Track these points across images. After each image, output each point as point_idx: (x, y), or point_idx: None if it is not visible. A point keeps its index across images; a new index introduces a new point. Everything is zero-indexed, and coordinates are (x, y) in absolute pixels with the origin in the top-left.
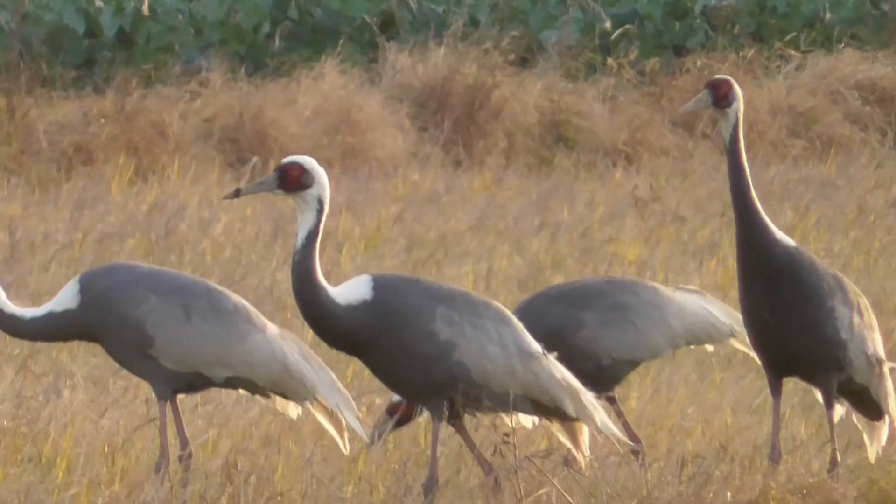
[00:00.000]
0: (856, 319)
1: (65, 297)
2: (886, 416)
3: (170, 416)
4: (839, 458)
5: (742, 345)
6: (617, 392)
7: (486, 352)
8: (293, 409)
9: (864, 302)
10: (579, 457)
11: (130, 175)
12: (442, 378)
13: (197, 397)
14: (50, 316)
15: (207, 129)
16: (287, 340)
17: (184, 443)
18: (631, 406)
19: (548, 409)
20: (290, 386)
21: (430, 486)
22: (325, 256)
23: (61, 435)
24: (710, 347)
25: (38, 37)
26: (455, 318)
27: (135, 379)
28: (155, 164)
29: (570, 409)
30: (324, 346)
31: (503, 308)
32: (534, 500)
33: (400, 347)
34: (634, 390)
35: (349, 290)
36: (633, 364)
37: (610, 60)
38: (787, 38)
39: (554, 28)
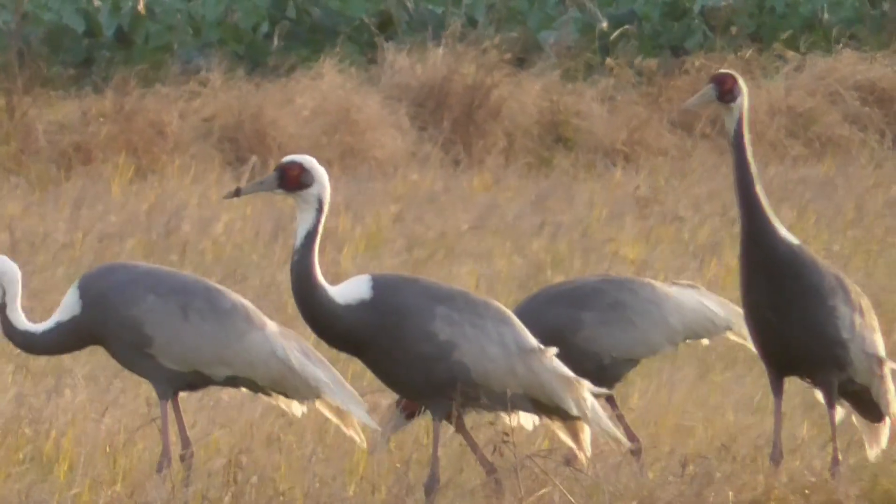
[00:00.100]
0: (857, 319)
1: (68, 305)
2: (887, 418)
3: (171, 415)
4: (841, 458)
5: (738, 337)
6: (617, 392)
7: (486, 351)
8: (297, 408)
9: (866, 302)
10: (581, 455)
11: (130, 174)
12: (442, 378)
13: (199, 396)
14: (59, 326)
15: (207, 129)
16: (288, 338)
17: (185, 442)
18: (632, 405)
19: (548, 407)
20: (291, 384)
21: (432, 486)
22: (324, 256)
23: (63, 435)
24: (706, 341)
25: (37, 36)
26: (455, 317)
27: (136, 379)
28: (154, 163)
29: (571, 408)
30: (325, 344)
31: (503, 307)
32: (535, 500)
33: (399, 347)
34: (636, 390)
35: (348, 290)
36: (634, 362)
37: (609, 61)
38: (786, 38)
39: (552, 28)
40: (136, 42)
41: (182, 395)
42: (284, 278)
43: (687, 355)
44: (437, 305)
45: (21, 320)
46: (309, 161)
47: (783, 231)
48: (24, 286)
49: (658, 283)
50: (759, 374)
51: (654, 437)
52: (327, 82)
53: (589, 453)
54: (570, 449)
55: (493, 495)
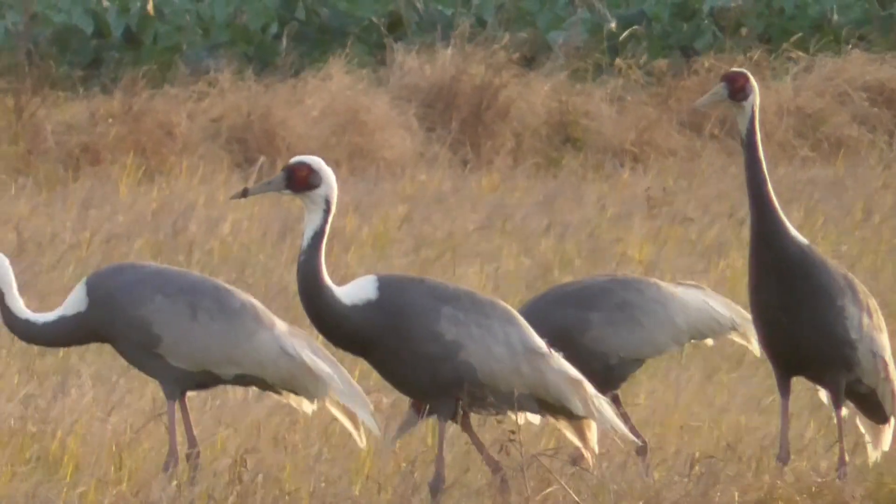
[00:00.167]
0: (865, 320)
1: (74, 300)
2: (892, 419)
3: (178, 414)
4: (847, 459)
5: (742, 338)
6: (622, 391)
7: (492, 352)
8: (307, 406)
9: (874, 304)
10: (587, 455)
11: (138, 175)
12: (448, 378)
13: (205, 396)
14: (62, 320)
15: (215, 130)
16: (297, 337)
17: (191, 442)
18: (639, 406)
19: (554, 407)
20: (300, 383)
21: (438, 486)
22: (332, 257)
23: (68, 434)
24: (710, 341)
25: (45, 37)
26: (461, 318)
27: (142, 378)
28: (162, 164)
29: (578, 408)
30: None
31: (509, 308)
32: (541, 500)
33: (405, 347)
34: (642, 390)
35: (354, 291)
36: (640, 362)
37: (618, 61)
38: (795, 39)
39: (562, 29)
40: (145, 43)
41: (190, 394)
42: (292, 279)
43: (693, 356)
44: (443, 306)
45: (20, 308)
46: (317, 162)
47: (793, 231)
48: (31, 286)
49: (663, 283)
50: (765, 375)
51: (661, 437)
52: (336, 83)
53: (595, 453)
54: (577, 448)
55: (498, 495)
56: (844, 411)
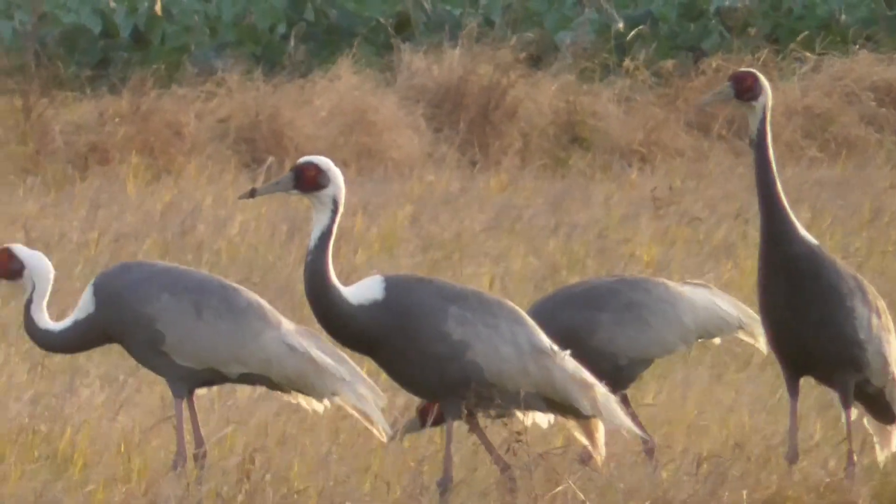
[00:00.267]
0: (874, 321)
1: (84, 303)
2: None
3: (186, 413)
4: (855, 459)
5: (749, 337)
6: (630, 391)
7: (499, 351)
8: (318, 405)
9: (883, 304)
10: (596, 454)
11: (146, 175)
12: (455, 378)
13: (213, 395)
14: (76, 325)
15: (223, 130)
16: (305, 336)
17: (199, 441)
18: (647, 405)
19: (562, 406)
20: (308, 382)
21: (446, 485)
22: (340, 257)
23: (77, 433)
24: (717, 340)
25: (53, 37)
26: (468, 317)
27: (150, 378)
28: (171, 164)
29: (585, 407)
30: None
31: (516, 307)
32: (549, 499)
33: (412, 347)
34: (650, 389)
35: (361, 291)
36: (648, 362)
37: (626, 62)
38: (802, 38)
39: (569, 29)
40: (153, 43)
41: (197, 393)
42: (300, 278)
43: (701, 355)
44: (450, 305)
45: (44, 319)
46: (325, 162)
47: (803, 232)
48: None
49: (671, 283)
50: (772, 375)
51: (669, 437)
52: (344, 83)
53: (604, 452)
54: (585, 448)
55: (506, 494)
56: (852, 412)
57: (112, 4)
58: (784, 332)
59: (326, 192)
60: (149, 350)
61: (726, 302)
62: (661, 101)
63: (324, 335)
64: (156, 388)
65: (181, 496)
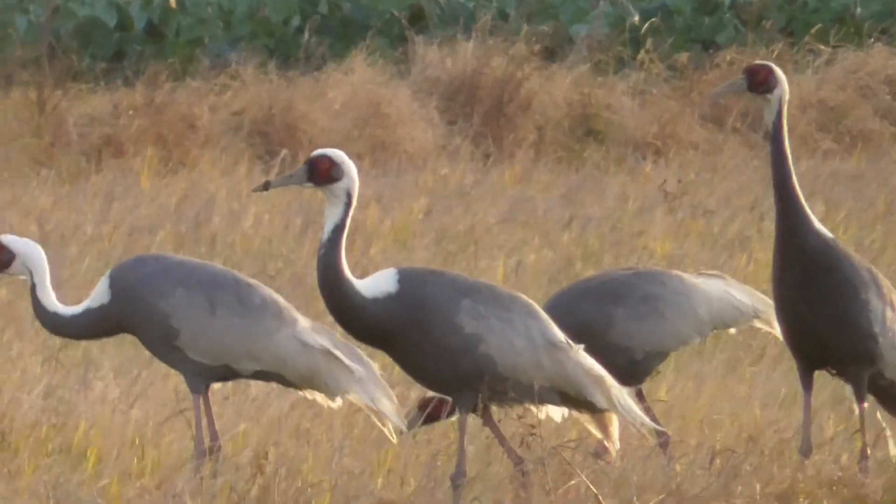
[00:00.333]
0: (889, 314)
1: (98, 293)
2: None
3: (202, 408)
4: (869, 452)
5: (765, 325)
6: (644, 385)
7: (512, 345)
8: (333, 402)
9: None
10: (610, 448)
11: (160, 168)
12: (469, 371)
13: (227, 389)
14: (87, 312)
15: (237, 122)
16: (320, 333)
17: (213, 435)
18: (661, 399)
19: (576, 400)
20: (321, 380)
21: (459, 479)
22: (354, 250)
23: (91, 427)
24: (733, 330)
25: (67, 30)
26: (481, 310)
27: (164, 371)
28: (185, 156)
29: (599, 401)
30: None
31: (530, 301)
32: (563, 493)
33: (426, 340)
34: (664, 383)
35: (375, 283)
36: (664, 355)
37: (641, 55)
38: (816, 31)
39: (584, 22)
40: (167, 36)
41: (213, 386)
42: (313, 271)
43: (715, 349)
44: (463, 298)
45: (51, 301)
46: (338, 155)
47: (818, 225)
48: (53, 278)
49: (686, 275)
50: (786, 369)
51: (682, 431)
52: (358, 76)
53: (618, 446)
54: (600, 442)
55: (520, 488)
56: (866, 406)
57: None
58: (798, 325)
59: (340, 185)
60: (163, 344)
61: (741, 291)
62: (676, 95)
63: (337, 329)
64: (170, 381)
65: (195, 490)
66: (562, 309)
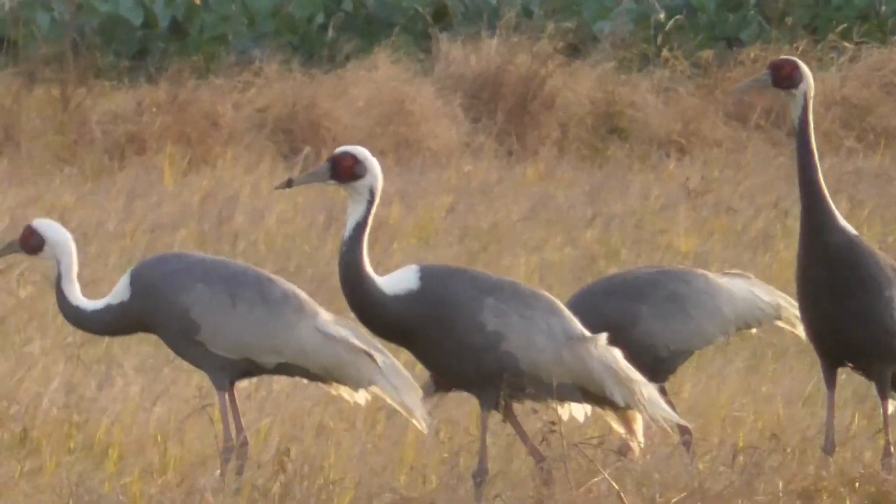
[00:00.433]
0: None
1: (119, 290)
2: None
3: (227, 404)
4: (893, 450)
5: (787, 324)
6: (667, 382)
7: (534, 342)
8: (358, 396)
9: None
10: (634, 445)
11: (183, 165)
12: (491, 368)
13: (249, 386)
14: (108, 308)
15: (260, 120)
16: (342, 326)
17: (239, 429)
18: (683, 397)
19: (598, 397)
20: (346, 371)
21: (481, 476)
22: (377, 247)
23: (113, 423)
24: (755, 329)
25: (91, 27)
26: (503, 308)
27: (186, 368)
28: (208, 154)
29: (619, 398)
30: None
31: (552, 298)
32: (585, 490)
33: (448, 338)
34: (687, 381)
35: (396, 281)
36: (688, 353)
37: (664, 52)
38: (841, 29)
39: (608, 19)
40: (191, 33)
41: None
42: (336, 269)
43: (737, 346)
44: (486, 296)
45: (75, 294)
46: (362, 152)
47: (843, 222)
48: (76, 276)
49: (711, 274)
50: (809, 366)
51: (705, 428)
52: (381, 73)
53: (642, 443)
54: (623, 439)
55: (542, 485)
56: (890, 403)
57: None
58: (822, 322)
59: (363, 183)
60: (183, 340)
61: (765, 291)
62: (700, 92)
63: (360, 326)
64: (192, 378)
65: (217, 487)
66: (586, 306)
